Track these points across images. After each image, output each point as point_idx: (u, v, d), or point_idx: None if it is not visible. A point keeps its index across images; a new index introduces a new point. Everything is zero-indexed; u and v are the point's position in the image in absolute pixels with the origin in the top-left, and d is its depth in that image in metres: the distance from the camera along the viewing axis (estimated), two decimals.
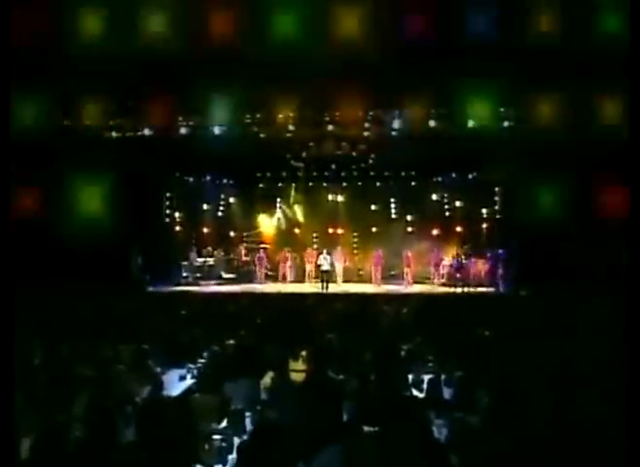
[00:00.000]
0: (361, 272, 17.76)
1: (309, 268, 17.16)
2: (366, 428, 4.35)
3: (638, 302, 4.55)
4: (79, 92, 12.18)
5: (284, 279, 17.27)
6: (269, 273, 18.10)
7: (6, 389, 3.71)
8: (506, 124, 13.19)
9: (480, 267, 16.54)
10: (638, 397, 3.61)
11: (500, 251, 15.82)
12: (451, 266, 16.59)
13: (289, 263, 17.49)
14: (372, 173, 17.80)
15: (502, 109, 13.06)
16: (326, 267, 16.21)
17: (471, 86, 11.90)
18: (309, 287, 16.52)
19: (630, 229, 4.66)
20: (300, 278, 17.51)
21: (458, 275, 16.25)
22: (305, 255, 17.45)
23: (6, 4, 5.17)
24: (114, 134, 13.80)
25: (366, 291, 15.98)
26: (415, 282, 16.84)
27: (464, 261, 16.53)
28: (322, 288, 15.93)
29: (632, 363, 3.96)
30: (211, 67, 11.05)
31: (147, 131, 13.76)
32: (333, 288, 16.22)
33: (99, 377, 5.16)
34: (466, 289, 15.71)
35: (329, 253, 16.79)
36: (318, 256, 16.87)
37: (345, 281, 17.14)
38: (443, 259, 17.04)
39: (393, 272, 17.45)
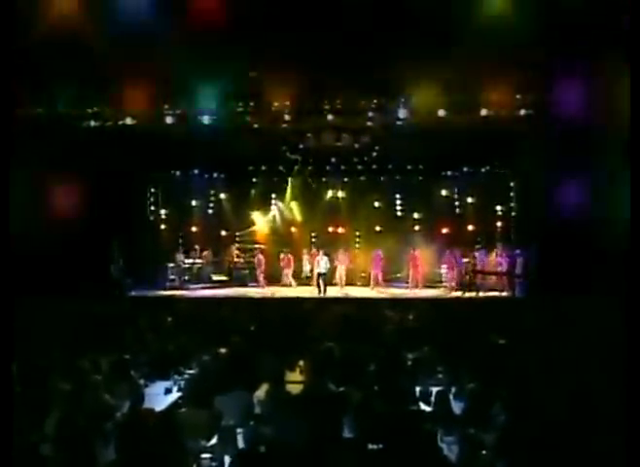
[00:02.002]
0: (363, 275, 17.75)
1: (305, 270, 17.13)
2: (369, 445, 4.34)
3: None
4: (52, 76, 12.12)
5: (281, 283, 17.23)
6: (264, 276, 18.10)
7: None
8: (523, 112, 13.15)
9: (494, 268, 16.53)
10: None
11: (517, 251, 15.81)
12: (460, 267, 16.60)
13: (288, 265, 17.46)
14: (375, 167, 17.76)
15: (518, 96, 13.02)
16: (323, 269, 16.20)
17: (484, 70, 11.86)
18: (305, 291, 16.49)
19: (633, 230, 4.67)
20: (296, 281, 17.48)
21: (467, 278, 16.25)
22: (303, 257, 17.42)
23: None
24: (92, 124, 13.75)
25: (369, 295, 15.96)
26: (423, 286, 16.81)
27: (475, 261, 16.56)
28: (319, 292, 15.91)
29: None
30: (198, 50, 11.02)
31: (129, 120, 13.71)
32: (335, 292, 16.20)
33: (75, 391, 5.13)
34: (479, 293, 15.68)
35: (326, 254, 16.80)
36: (314, 257, 16.86)
37: (347, 284, 17.11)
38: (452, 260, 17.01)
39: (399, 275, 17.42)
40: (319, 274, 16.20)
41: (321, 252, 16.78)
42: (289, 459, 3.55)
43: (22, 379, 5.33)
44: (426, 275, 16.98)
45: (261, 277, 17.39)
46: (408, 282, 16.78)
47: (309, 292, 16.24)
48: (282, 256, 17.36)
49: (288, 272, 17.17)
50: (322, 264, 16.28)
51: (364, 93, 13.50)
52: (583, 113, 11.64)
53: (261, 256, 17.62)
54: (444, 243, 17.35)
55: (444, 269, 17.03)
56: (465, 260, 16.66)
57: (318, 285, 16.07)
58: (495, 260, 16.68)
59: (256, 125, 14.18)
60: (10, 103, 5.09)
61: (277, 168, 18.12)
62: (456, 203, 18.44)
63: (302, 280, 17.46)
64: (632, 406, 3.72)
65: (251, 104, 13.78)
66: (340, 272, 16.74)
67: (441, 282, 17.08)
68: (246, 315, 10.38)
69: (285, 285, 17.18)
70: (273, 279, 17.56)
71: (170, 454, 3.93)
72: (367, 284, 17.20)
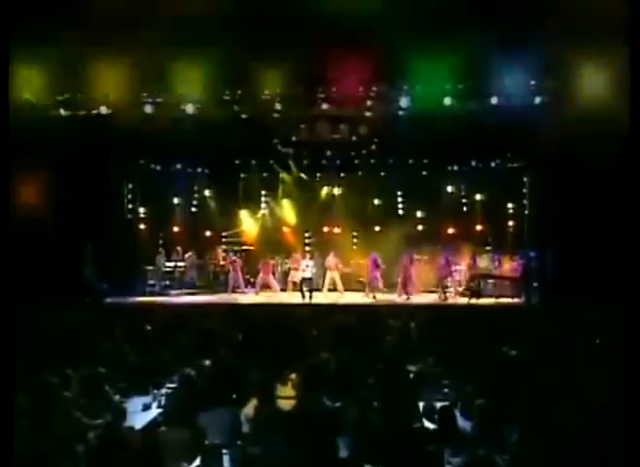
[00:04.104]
0: (361, 279, 17.76)
1: (294, 274, 17.14)
2: None
3: None
4: (18, 59, 12.06)
5: (268, 288, 17.22)
6: (251, 280, 18.08)
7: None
8: (538, 99, 13.16)
9: (506, 272, 16.58)
10: None
11: (532, 254, 15.84)
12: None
13: (275, 269, 17.47)
14: (374, 161, 17.78)
15: (533, 82, 13.04)
16: (308, 273, 16.21)
17: (495, 54, 11.86)
18: (291, 297, 16.49)
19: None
20: (286, 287, 17.49)
21: (474, 283, 16.31)
22: (292, 260, 17.41)
23: None
24: (62, 112, 13.69)
25: (367, 301, 15.98)
26: (426, 291, 16.83)
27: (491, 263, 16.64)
28: (303, 298, 15.94)
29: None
30: (182, 31, 11.01)
31: (103, 109, 13.67)
32: (329, 299, 16.22)
33: (42, 409, 5.10)
34: (488, 299, 15.72)
35: (312, 258, 16.84)
36: (299, 261, 16.85)
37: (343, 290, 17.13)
38: (459, 263, 17.06)
39: (399, 279, 17.41)
40: (304, 279, 16.22)
41: (307, 256, 16.76)
42: None
43: None
44: (429, 280, 16.97)
45: (240, 283, 17.36)
46: (409, 288, 16.75)
47: (295, 298, 16.21)
48: (268, 260, 17.33)
49: (270, 277, 17.15)
50: (307, 269, 16.28)
51: (362, 80, 13.50)
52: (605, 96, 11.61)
53: (237, 258, 17.61)
54: (450, 244, 17.36)
55: (447, 273, 17.01)
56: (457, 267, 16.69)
57: (302, 291, 16.10)
58: (507, 263, 16.72)
59: (244, 115, 14.16)
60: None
61: (267, 162, 18.13)
62: (463, 201, 18.47)
63: (289, 285, 17.43)
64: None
65: (238, 92, 13.76)
66: (333, 278, 16.72)
67: (447, 287, 17.08)
68: (233, 324, 10.36)
69: (268, 291, 17.15)
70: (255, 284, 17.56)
71: None
72: (363, 290, 17.16)
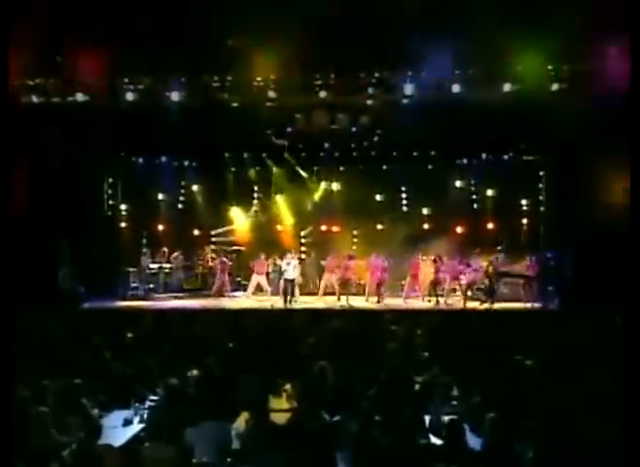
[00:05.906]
0: (362, 282, 17.75)
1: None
2: None
3: None
4: None
5: (261, 290, 17.22)
6: (242, 283, 18.08)
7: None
8: (555, 86, 13.15)
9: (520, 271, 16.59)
10: None
11: (548, 254, 15.84)
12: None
13: (267, 270, 17.47)
14: (376, 153, 17.74)
15: (550, 67, 13.03)
16: (291, 274, 16.18)
17: (508, 37, 11.85)
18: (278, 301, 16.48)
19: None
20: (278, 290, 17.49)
21: (487, 283, 16.31)
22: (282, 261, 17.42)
23: None
24: (35, 99, 13.65)
25: (367, 306, 15.97)
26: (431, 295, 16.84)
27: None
28: (285, 301, 15.93)
29: None
30: (166, 11, 10.99)
31: (80, 96, 13.64)
32: (325, 303, 16.23)
33: (14, 423, 5.08)
34: (500, 304, 15.73)
35: (297, 257, 16.89)
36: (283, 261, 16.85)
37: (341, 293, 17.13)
38: (468, 264, 17.06)
39: (404, 282, 17.43)
40: (286, 281, 16.19)
41: (289, 255, 16.77)
42: None
43: None
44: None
45: (227, 286, 17.37)
46: (414, 291, 16.77)
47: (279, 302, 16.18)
48: (260, 260, 17.32)
49: (263, 278, 17.15)
50: (290, 269, 16.22)
51: (363, 66, 13.49)
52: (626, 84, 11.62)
53: (225, 259, 17.61)
54: (459, 244, 17.36)
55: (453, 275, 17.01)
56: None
57: (285, 293, 16.07)
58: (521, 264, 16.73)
59: (235, 104, 14.14)
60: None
61: (260, 155, 18.12)
62: (473, 197, 18.48)
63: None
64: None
65: (229, 78, 13.74)
66: (331, 281, 16.70)
67: (454, 290, 17.09)
68: (223, 330, 10.36)
69: (260, 293, 17.15)
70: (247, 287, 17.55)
71: None
72: (363, 294, 17.16)
